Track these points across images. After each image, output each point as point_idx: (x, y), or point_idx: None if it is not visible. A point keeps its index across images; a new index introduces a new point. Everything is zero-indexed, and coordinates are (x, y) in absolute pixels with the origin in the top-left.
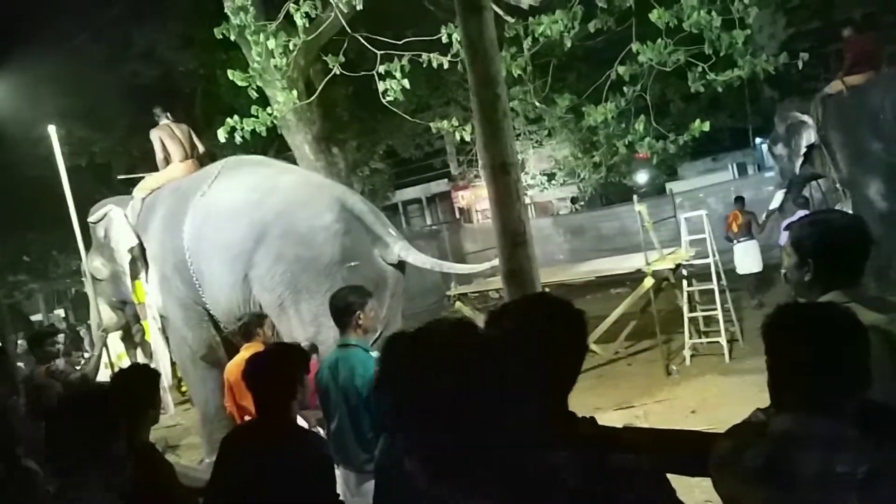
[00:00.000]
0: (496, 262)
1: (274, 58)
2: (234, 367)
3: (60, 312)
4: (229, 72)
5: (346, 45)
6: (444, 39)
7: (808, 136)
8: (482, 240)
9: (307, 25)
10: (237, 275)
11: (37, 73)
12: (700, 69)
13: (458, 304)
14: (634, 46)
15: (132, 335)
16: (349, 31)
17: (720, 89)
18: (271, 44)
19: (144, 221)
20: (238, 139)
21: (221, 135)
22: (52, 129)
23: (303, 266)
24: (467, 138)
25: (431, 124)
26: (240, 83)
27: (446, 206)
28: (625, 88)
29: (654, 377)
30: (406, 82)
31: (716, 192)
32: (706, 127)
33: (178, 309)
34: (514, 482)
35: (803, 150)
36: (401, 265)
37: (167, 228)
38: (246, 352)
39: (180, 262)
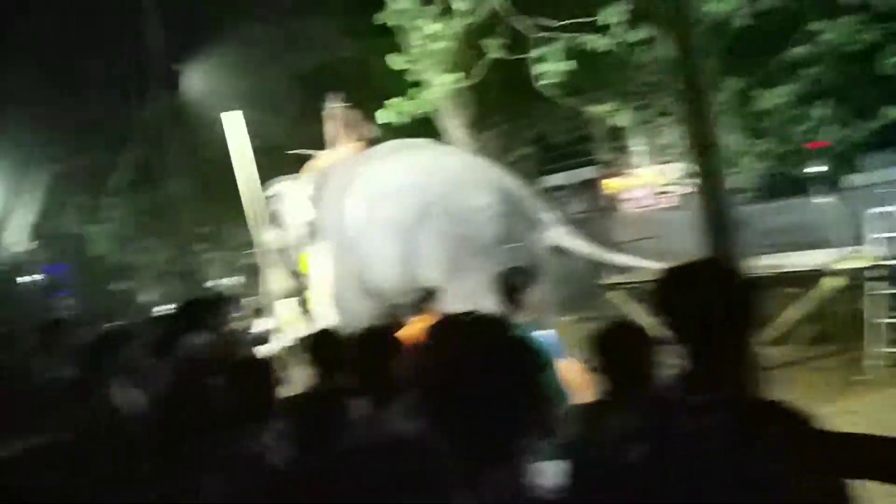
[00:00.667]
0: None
1: (433, 42)
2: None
3: (232, 281)
4: (389, 56)
5: (501, 28)
6: (601, 21)
7: None
8: (632, 229)
9: (465, 10)
10: (399, 251)
11: (221, 61)
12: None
13: (610, 294)
14: (816, 25)
15: (301, 303)
16: (503, 13)
17: None
18: (432, 28)
19: (314, 198)
20: (396, 122)
21: (381, 117)
22: (239, 115)
23: (461, 245)
24: (624, 124)
25: (587, 108)
26: (398, 68)
27: (594, 194)
28: (800, 71)
29: (833, 385)
30: (563, 65)
31: None
32: None
33: (342, 282)
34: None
35: None
36: (557, 251)
37: (335, 206)
38: (413, 326)
39: (346, 237)
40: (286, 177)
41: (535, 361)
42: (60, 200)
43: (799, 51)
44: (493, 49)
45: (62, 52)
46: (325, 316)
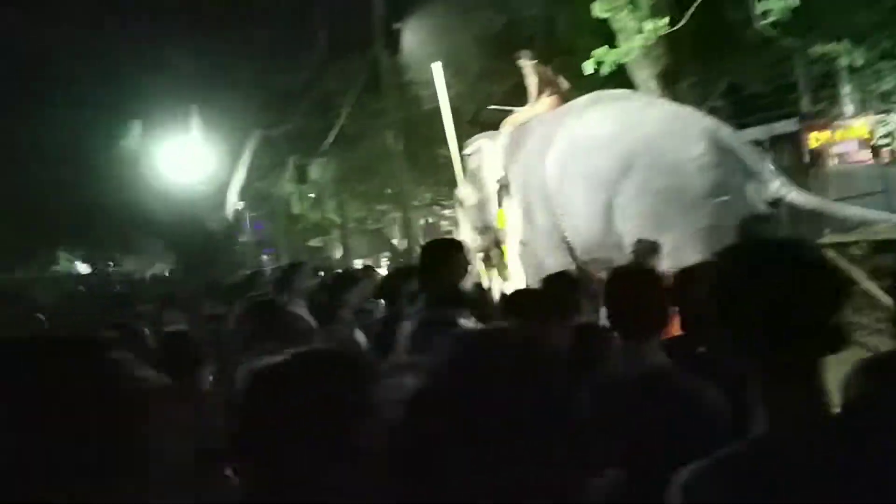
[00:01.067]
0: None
1: None
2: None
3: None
4: (596, 4)
5: None
6: None
7: None
8: (836, 187)
9: None
10: (600, 204)
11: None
12: None
13: (830, 253)
14: None
15: (491, 258)
16: None
17: None
18: None
19: (512, 153)
20: (604, 71)
21: (588, 67)
22: (437, 67)
23: (668, 197)
24: (859, 63)
25: (812, 49)
26: (603, 15)
27: (794, 148)
28: None
29: None
30: (790, 1)
31: None
32: None
33: (539, 236)
34: None
35: None
36: (777, 204)
37: (533, 160)
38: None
39: (544, 191)
40: (486, 133)
41: None
42: (269, 162)
43: None
44: None
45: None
46: (518, 272)
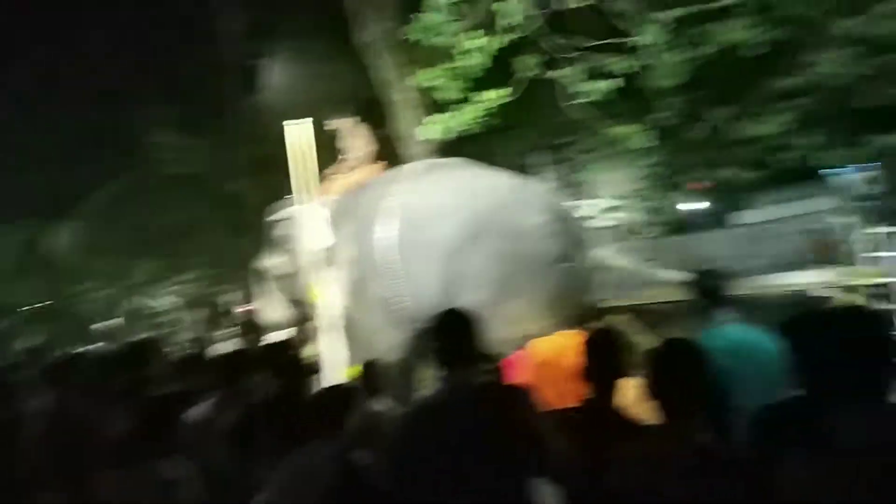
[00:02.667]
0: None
1: (467, 58)
2: (546, 349)
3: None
4: (424, 71)
5: (535, 48)
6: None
7: None
8: None
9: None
10: (444, 274)
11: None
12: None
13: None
14: (816, 58)
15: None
16: (534, 34)
17: None
18: (469, 44)
19: (335, 222)
20: (441, 138)
21: (424, 133)
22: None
23: (516, 265)
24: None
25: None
26: (426, 84)
27: None
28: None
29: None
30: (602, 85)
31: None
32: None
33: (371, 311)
34: None
35: None
36: (603, 268)
37: (363, 230)
38: (561, 338)
39: (379, 262)
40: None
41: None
42: None
43: (791, 81)
44: (529, 68)
45: None
46: (338, 345)
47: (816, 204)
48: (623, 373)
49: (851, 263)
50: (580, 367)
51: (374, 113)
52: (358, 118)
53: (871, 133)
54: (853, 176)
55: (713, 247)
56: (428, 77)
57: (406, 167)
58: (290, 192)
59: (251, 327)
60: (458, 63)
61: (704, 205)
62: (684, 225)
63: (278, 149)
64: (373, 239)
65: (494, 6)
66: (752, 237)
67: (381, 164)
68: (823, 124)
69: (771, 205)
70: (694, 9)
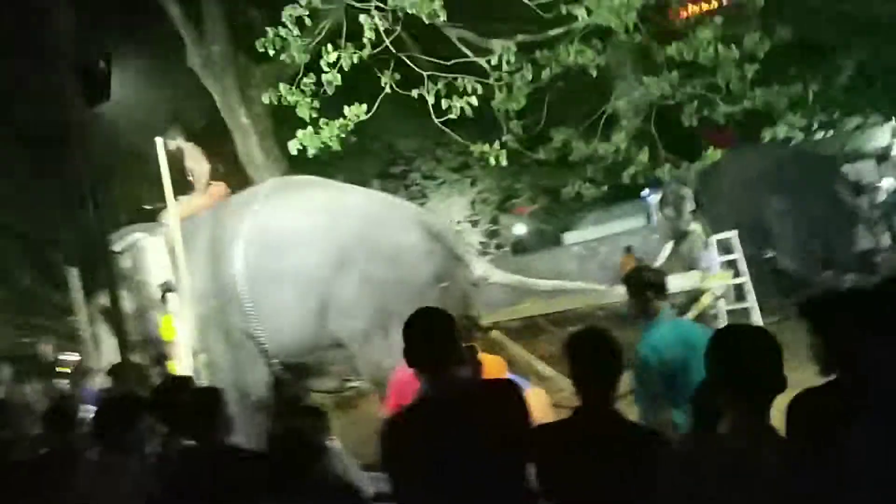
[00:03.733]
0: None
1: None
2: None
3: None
4: (282, 86)
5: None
6: (494, 62)
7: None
8: None
9: (372, 39)
10: (310, 304)
11: None
12: (699, 102)
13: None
14: (646, 80)
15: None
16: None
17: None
18: (328, 58)
19: (180, 251)
20: (314, 154)
21: (293, 148)
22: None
23: (392, 289)
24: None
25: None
26: (283, 101)
27: None
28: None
29: None
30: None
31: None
32: (717, 155)
33: (225, 347)
34: None
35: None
36: (482, 283)
37: (213, 258)
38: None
39: (231, 293)
40: (141, 225)
41: None
42: None
43: (621, 103)
44: (389, 83)
45: None
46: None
47: (636, 221)
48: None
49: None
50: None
51: (218, 134)
52: (192, 140)
53: (696, 151)
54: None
55: (550, 265)
56: (279, 95)
57: (258, 188)
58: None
59: (81, 375)
60: (309, 80)
61: (537, 225)
62: (519, 245)
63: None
64: (225, 268)
65: (345, 23)
66: (583, 255)
67: (225, 187)
68: (653, 143)
69: (598, 224)
70: (539, 36)
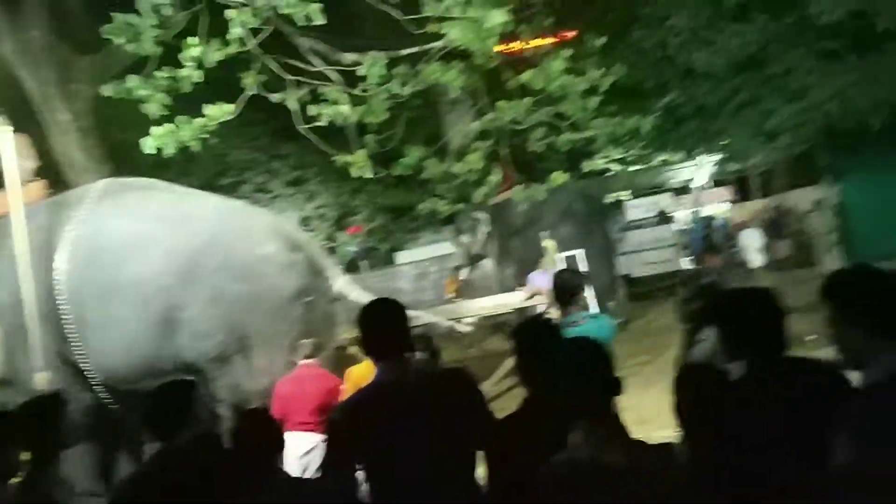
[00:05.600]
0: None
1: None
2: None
3: None
4: (132, 78)
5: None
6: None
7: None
8: None
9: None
10: (150, 319)
11: None
12: (546, 130)
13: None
14: (500, 104)
15: None
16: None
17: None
18: (189, 52)
19: None
20: (167, 153)
21: (149, 146)
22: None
23: (250, 305)
24: None
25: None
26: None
27: None
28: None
29: None
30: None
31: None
32: (565, 178)
33: (30, 373)
34: None
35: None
36: (340, 300)
37: (28, 268)
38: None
39: (49, 308)
40: None
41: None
42: None
43: (476, 125)
44: (252, 86)
45: None
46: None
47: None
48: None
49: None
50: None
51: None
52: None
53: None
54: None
55: (383, 283)
56: (123, 88)
57: (87, 190)
58: None
59: None
60: (165, 74)
61: (371, 244)
62: (353, 264)
63: None
64: (41, 279)
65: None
66: (417, 274)
67: (42, 186)
68: (506, 164)
69: (430, 244)
70: (399, 52)
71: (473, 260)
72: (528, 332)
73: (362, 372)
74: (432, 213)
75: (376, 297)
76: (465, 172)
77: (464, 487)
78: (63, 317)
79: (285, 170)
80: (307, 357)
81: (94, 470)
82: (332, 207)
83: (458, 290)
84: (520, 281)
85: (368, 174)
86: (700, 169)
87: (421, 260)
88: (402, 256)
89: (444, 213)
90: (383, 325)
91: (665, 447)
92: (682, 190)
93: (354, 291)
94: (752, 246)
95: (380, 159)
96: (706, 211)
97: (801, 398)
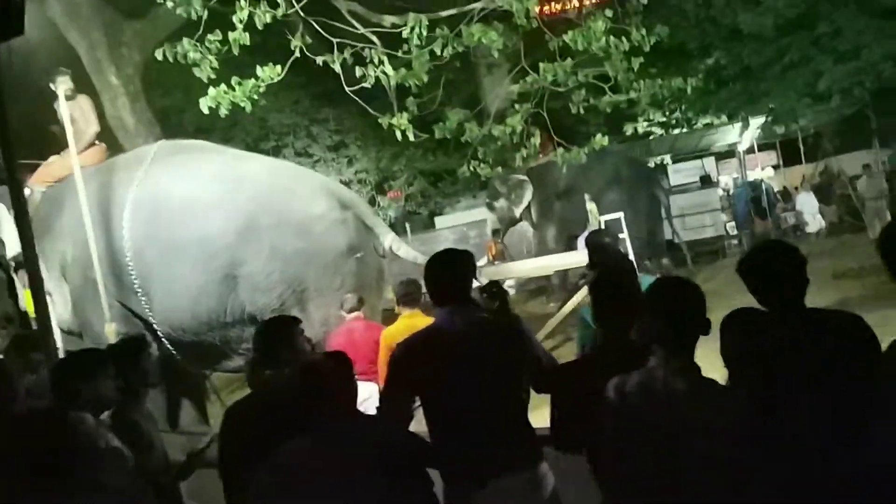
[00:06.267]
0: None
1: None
2: (398, 334)
3: None
4: (185, 42)
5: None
6: (406, 34)
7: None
8: None
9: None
10: (214, 275)
11: None
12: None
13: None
14: (542, 66)
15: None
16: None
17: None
18: (239, 15)
19: (46, 219)
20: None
21: (204, 106)
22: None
23: (306, 260)
24: None
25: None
26: (191, 56)
27: None
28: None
29: None
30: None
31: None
32: (605, 142)
33: (105, 324)
34: None
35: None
36: (390, 256)
37: (93, 226)
38: (410, 319)
39: (115, 264)
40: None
41: None
42: None
43: (515, 87)
44: (299, 45)
45: None
46: None
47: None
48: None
49: None
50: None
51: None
52: (69, 86)
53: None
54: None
55: (424, 247)
56: (176, 52)
57: (146, 151)
58: None
59: None
60: (214, 37)
61: (411, 209)
62: (393, 228)
63: None
64: (109, 237)
65: None
66: (454, 239)
67: (104, 148)
68: (545, 127)
69: (468, 209)
70: (440, 14)
71: (512, 224)
72: (609, 275)
73: (397, 331)
74: (472, 177)
75: (445, 249)
76: (505, 135)
77: (517, 426)
78: (129, 273)
79: (326, 134)
80: (352, 310)
81: (163, 411)
82: (373, 172)
83: (499, 254)
84: (562, 244)
85: (410, 137)
86: (744, 132)
87: (460, 224)
88: (441, 221)
89: (485, 177)
90: (447, 272)
91: (734, 389)
92: (726, 154)
93: (403, 248)
94: (808, 210)
95: (420, 123)
96: (751, 175)
97: (824, 339)
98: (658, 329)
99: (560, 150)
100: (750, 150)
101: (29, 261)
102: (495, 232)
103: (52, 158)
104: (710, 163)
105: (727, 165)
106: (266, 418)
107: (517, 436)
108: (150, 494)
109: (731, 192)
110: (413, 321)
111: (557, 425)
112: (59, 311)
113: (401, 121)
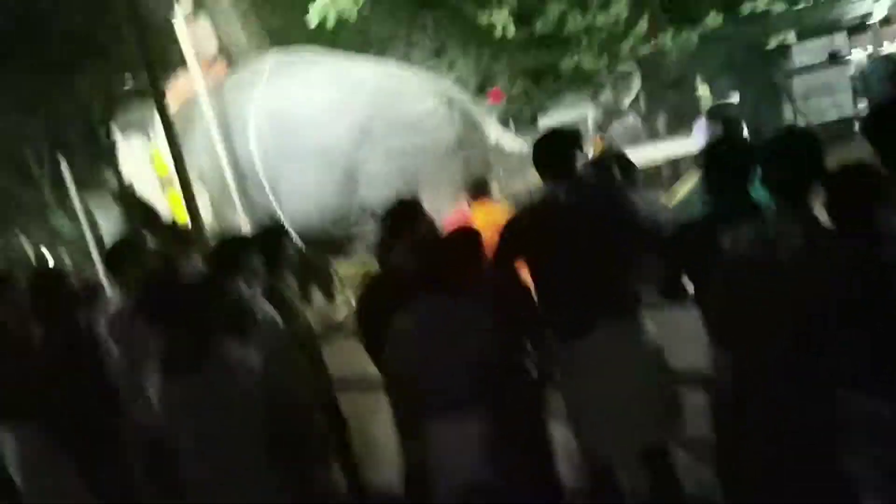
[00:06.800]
0: None
1: None
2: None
3: None
4: None
5: None
6: None
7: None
8: None
9: None
10: (336, 176)
11: None
12: None
13: None
14: None
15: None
16: None
17: None
18: None
19: (181, 135)
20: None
21: (315, 17)
22: None
23: (418, 156)
24: None
25: None
26: None
27: None
28: None
29: None
30: None
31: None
32: (719, 21)
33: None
34: None
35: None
36: (498, 151)
37: (225, 136)
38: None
39: (247, 171)
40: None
41: None
42: None
43: None
44: None
45: None
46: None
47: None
48: None
49: None
50: None
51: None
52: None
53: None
54: None
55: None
56: None
57: (260, 66)
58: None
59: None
60: None
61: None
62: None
63: None
64: (237, 147)
65: None
66: None
67: (225, 67)
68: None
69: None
70: None
71: (618, 116)
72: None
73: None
74: (575, 72)
75: (551, 129)
76: (609, 25)
77: (624, 290)
78: (259, 180)
79: (425, 41)
80: (472, 196)
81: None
82: (474, 74)
83: (605, 149)
84: (673, 133)
85: (510, 33)
86: (879, 2)
87: (564, 122)
88: (544, 121)
89: (589, 70)
90: (552, 148)
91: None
92: (858, 27)
93: (508, 140)
94: None
95: (519, 21)
96: (888, 49)
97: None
98: (779, 177)
99: (670, 32)
100: (885, 21)
101: (180, 173)
102: (599, 127)
103: (179, 78)
104: (840, 39)
105: (860, 40)
106: (397, 287)
107: (616, 292)
108: (301, 356)
109: (865, 69)
110: (486, 208)
111: (666, 273)
112: (203, 214)
113: (500, 16)
